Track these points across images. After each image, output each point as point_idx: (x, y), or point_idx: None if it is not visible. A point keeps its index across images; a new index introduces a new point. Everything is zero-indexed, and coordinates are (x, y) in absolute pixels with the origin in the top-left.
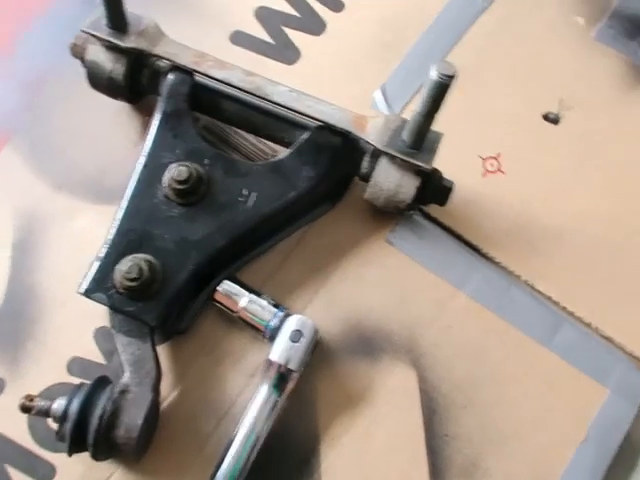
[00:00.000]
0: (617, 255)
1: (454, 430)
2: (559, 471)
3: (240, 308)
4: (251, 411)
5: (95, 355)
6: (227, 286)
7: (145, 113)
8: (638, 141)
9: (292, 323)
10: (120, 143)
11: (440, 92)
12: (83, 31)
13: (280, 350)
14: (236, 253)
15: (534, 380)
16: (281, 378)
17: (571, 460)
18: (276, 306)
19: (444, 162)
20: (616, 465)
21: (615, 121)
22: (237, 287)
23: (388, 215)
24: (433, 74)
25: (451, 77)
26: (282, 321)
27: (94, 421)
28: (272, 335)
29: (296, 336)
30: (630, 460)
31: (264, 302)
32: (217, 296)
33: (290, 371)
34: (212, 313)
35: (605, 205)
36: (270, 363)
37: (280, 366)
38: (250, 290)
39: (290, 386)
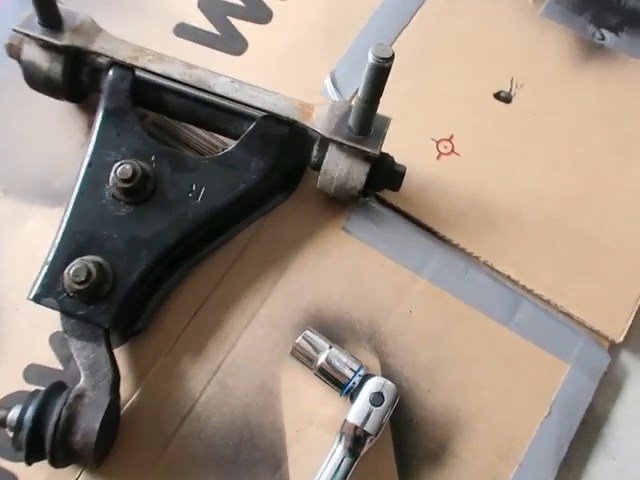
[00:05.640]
0: (573, 231)
1: (419, 414)
2: (524, 447)
3: (322, 363)
4: (325, 472)
5: (52, 361)
6: (309, 338)
7: (90, 112)
8: (588, 116)
9: (372, 385)
10: (66, 144)
11: (379, 76)
12: (15, 30)
13: (357, 411)
14: (190, 249)
15: (496, 360)
16: (356, 440)
17: (535, 435)
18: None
19: (398, 147)
20: (580, 437)
21: (566, 97)
22: (319, 340)
23: (343, 203)
24: (370, 58)
25: (388, 60)
26: (362, 380)
27: (50, 428)
28: (351, 394)
29: (377, 399)
30: (594, 432)
31: (344, 357)
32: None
33: (367, 434)
34: (170, 311)
35: (559, 181)
36: (348, 425)
37: (357, 428)
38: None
39: (365, 449)
